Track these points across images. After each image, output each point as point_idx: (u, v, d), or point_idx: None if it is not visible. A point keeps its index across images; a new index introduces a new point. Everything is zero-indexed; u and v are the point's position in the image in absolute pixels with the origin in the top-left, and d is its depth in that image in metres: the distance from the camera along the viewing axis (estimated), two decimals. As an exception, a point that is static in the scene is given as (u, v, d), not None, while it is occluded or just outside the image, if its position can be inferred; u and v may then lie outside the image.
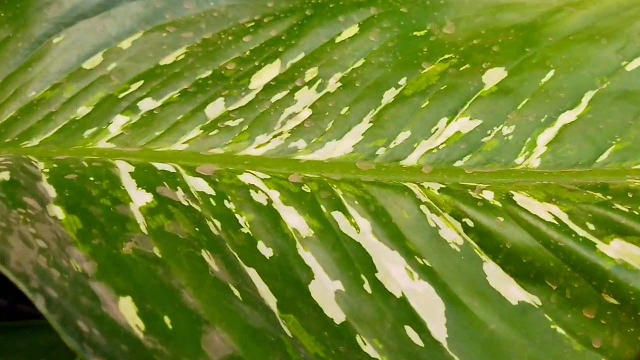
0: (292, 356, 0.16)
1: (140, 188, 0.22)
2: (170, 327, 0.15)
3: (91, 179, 0.22)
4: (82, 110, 0.28)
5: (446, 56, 0.26)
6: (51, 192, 0.20)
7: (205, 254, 0.19)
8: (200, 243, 0.19)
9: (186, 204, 0.21)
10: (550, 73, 0.24)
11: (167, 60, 0.29)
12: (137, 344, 0.14)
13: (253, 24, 0.30)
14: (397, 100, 0.25)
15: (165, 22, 0.30)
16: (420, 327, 0.20)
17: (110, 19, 0.30)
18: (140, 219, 0.20)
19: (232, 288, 0.18)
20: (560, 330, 0.20)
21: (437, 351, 0.19)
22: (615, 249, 0.20)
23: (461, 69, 0.25)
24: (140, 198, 0.21)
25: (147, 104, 0.27)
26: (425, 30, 0.27)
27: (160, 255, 0.18)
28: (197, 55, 0.29)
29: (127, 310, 0.15)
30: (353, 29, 0.28)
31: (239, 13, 0.30)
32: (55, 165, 0.23)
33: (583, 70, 0.24)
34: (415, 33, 0.27)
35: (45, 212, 0.18)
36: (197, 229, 0.20)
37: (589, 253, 0.20)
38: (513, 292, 0.20)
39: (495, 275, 0.21)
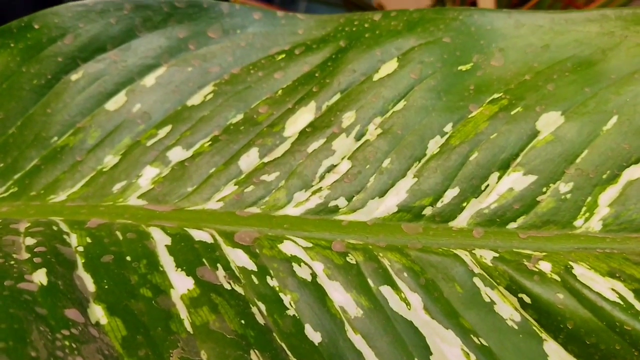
0: None
1: (179, 269, 0.21)
2: None
3: (128, 259, 0.21)
4: (109, 160, 0.26)
5: (495, 96, 0.24)
6: (89, 284, 0.19)
7: (254, 356, 0.18)
8: (248, 342, 0.18)
9: (229, 287, 0.20)
10: (613, 119, 0.22)
11: (195, 100, 0.27)
12: None
13: (284, 56, 0.28)
14: (443, 151, 0.23)
15: (190, 54, 0.28)
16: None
17: (131, 52, 0.29)
18: (183, 312, 0.19)
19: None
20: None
21: None
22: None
23: (512, 112, 0.23)
24: (181, 284, 0.20)
25: (177, 154, 0.26)
26: (471, 64, 0.25)
27: (208, 364, 0.17)
28: (226, 94, 0.27)
29: None
30: (391, 65, 0.26)
31: (268, 42, 0.28)
32: (89, 240, 0.22)
33: (650, 118, 0.22)
34: (460, 67, 0.25)
35: (88, 322, 0.17)
36: (243, 322, 0.19)
37: (659, 337, 0.19)
38: (576, 373, 0.19)
39: (558, 355, 0.20)
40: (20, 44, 0.30)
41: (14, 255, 0.20)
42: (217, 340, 0.18)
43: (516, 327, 0.20)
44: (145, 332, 0.18)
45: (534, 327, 0.20)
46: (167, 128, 0.27)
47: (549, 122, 0.23)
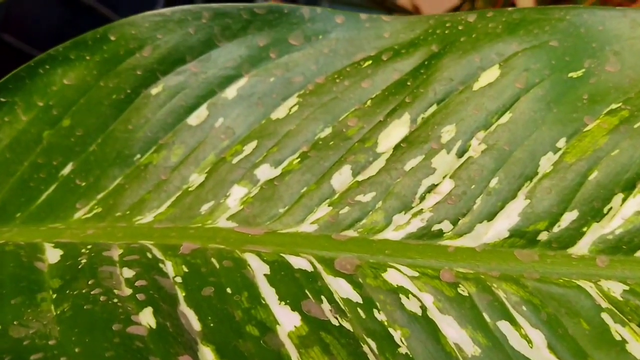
0: None
1: (283, 303, 0.20)
2: None
3: (229, 291, 0.20)
4: (195, 178, 0.26)
5: (613, 106, 0.22)
6: (194, 322, 0.19)
7: (373, 405, 0.17)
8: (366, 390, 0.17)
9: (337, 323, 0.19)
10: None
11: (279, 113, 0.26)
12: None
13: (370, 62, 0.26)
14: (558, 170, 0.21)
15: (271, 63, 0.27)
16: None
17: (211, 63, 0.28)
18: (294, 354, 0.18)
19: None
20: None
21: None
22: None
23: (636, 126, 0.21)
24: (287, 320, 0.19)
25: (265, 172, 0.25)
26: (583, 70, 0.23)
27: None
28: (312, 106, 0.26)
29: None
30: (493, 72, 0.24)
31: (352, 48, 0.27)
32: (185, 270, 0.21)
33: None
34: (570, 75, 0.23)
35: None
36: (356, 364, 0.18)
37: None
38: None
39: (697, 399, 0.18)
40: (96, 57, 0.29)
41: (115, 292, 0.20)
42: (333, 386, 0.17)
43: (652, 369, 0.18)
44: None
45: (673, 370, 0.18)
46: (253, 144, 0.25)
47: (678, 135, 0.21)
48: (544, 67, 0.23)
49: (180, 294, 0.20)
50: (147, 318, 0.18)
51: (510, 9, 0.25)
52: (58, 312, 0.19)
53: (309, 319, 0.19)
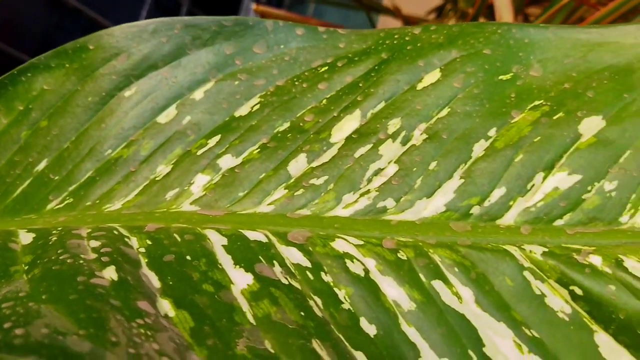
0: None
1: (237, 266, 0.21)
2: None
3: (188, 258, 0.22)
4: (162, 169, 0.28)
5: (536, 103, 0.25)
6: (155, 281, 0.20)
7: (316, 345, 0.18)
8: (309, 332, 0.19)
9: (286, 282, 0.21)
10: (653, 121, 0.23)
11: (242, 111, 0.28)
12: None
13: (326, 68, 0.29)
14: (489, 154, 0.24)
15: (237, 69, 0.30)
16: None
17: (181, 68, 0.30)
18: (245, 306, 0.20)
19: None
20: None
21: None
22: None
23: (554, 117, 0.24)
24: (240, 279, 0.21)
25: (227, 162, 0.27)
26: (511, 74, 0.26)
27: (273, 351, 0.18)
28: (272, 105, 0.28)
29: None
30: (435, 75, 0.27)
31: (311, 56, 0.30)
32: (149, 242, 0.23)
33: (690, 119, 0.23)
34: (501, 77, 0.26)
35: (159, 313, 0.18)
36: (302, 314, 0.19)
37: None
38: (627, 364, 0.20)
39: (608, 346, 0.20)
40: (75, 64, 0.31)
41: (82, 256, 0.21)
42: (279, 330, 0.19)
43: (567, 319, 0.20)
44: (211, 323, 0.19)
45: (585, 319, 0.20)
46: (217, 138, 0.28)
47: (591, 126, 0.24)
48: (479, 70, 0.26)
49: (143, 260, 0.22)
50: (109, 273, 0.19)
51: (450, 24, 0.28)
52: (29, 277, 0.21)
53: (260, 278, 0.21)
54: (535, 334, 0.20)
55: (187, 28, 0.31)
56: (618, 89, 0.24)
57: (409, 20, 0.77)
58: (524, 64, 0.26)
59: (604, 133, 0.23)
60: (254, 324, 0.19)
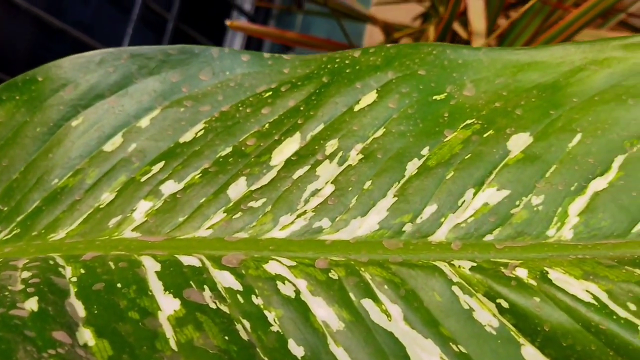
0: None
1: (167, 292, 0.21)
2: None
3: (119, 286, 0.22)
4: (106, 197, 0.28)
5: (468, 122, 0.25)
6: (80, 310, 0.20)
7: (237, 367, 0.18)
8: (231, 356, 0.19)
9: (214, 306, 0.21)
10: (577, 137, 0.24)
11: (186, 137, 0.29)
12: None
13: (270, 93, 0.29)
14: (421, 172, 0.24)
15: (182, 96, 0.30)
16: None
17: (127, 97, 0.31)
18: (169, 332, 0.20)
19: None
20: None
21: None
22: (660, 329, 0.19)
23: (485, 135, 0.25)
24: (168, 305, 0.21)
25: (170, 187, 0.27)
26: (445, 94, 0.27)
27: (192, 375, 0.18)
28: (216, 130, 0.29)
29: None
30: (371, 96, 0.27)
31: (256, 82, 0.30)
32: (82, 271, 0.23)
33: (611, 133, 0.23)
34: (435, 97, 0.27)
35: (76, 343, 0.18)
36: (226, 338, 0.19)
37: (632, 336, 0.19)
38: (555, 376, 0.20)
39: (535, 359, 0.20)
40: (24, 96, 0.32)
41: (9, 287, 0.21)
42: (200, 356, 0.19)
43: (494, 333, 0.20)
44: (131, 351, 0.19)
45: (512, 332, 0.20)
46: (160, 164, 0.28)
47: (519, 142, 0.24)
48: (413, 91, 0.27)
49: (72, 290, 0.22)
50: (31, 304, 0.20)
51: (389, 45, 0.29)
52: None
53: (187, 303, 0.21)
54: (463, 350, 0.20)
55: (134, 57, 0.31)
56: (545, 106, 0.25)
57: (392, 28, 0.78)
58: (457, 84, 0.27)
59: (531, 149, 0.24)
60: (176, 350, 0.19)
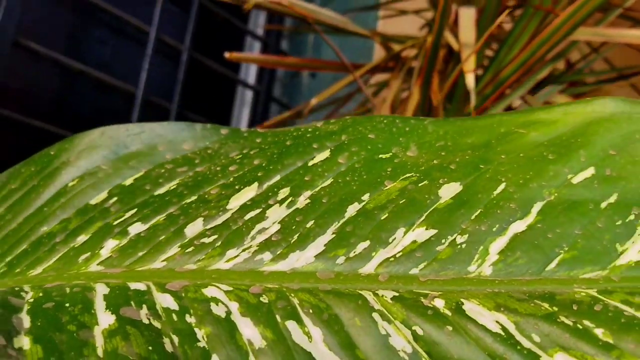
0: None
1: (107, 310, 0.23)
2: None
3: (67, 305, 0.24)
4: (81, 238, 0.30)
5: (407, 175, 0.28)
6: (26, 322, 0.22)
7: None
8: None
9: (147, 322, 0.22)
10: (502, 186, 0.25)
11: (161, 190, 0.32)
12: None
13: (241, 156, 0.33)
14: (360, 214, 0.26)
15: (165, 161, 0.34)
16: None
17: (120, 161, 0.34)
18: (100, 342, 0.21)
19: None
20: None
21: None
22: (558, 363, 0.20)
23: (420, 185, 0.27)
24: (105, 321, 0.23)
25: (136, 228, 0.30)
26: (390, 153, 0.29)
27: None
28: (187, 184, 0.32)
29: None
30: (325, 154, 0.30)
31: (230, 149, 0.34)
32: (40, 294, 0.25)
33: (532, 183, 0.25)
34: (381, 156, 0.29)
35: (10, 346, 0.20)
36: (150, 348, 0.21)
37: (534, 366, 0.20)
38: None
39: (446, 385, 0.20)
40: (38, 167, 0.36)
41: None
42: (120, 360, 0.20)
43: (407, 358, 0.21)
44: (60, 355, 0.21)
45: (423, 358, 0.21)
46: (133, 211, 0.31)
47: (450, 190, 0.26)
48: (362, 150, 0.30)
49: (26, 307, 0.24)
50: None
51: (346, 117, 0.32)
52: None
53: (122, 319, 0.23)
54: (377, 372, 0.21)
55: (130, 137, 0.35)
56: (476, 162, 0.27)
57: (394, 41, 0.78)
58: (403, 147, 0.29)
59: (460, 196, 0.26)
60: (101, 356, 0.20)
